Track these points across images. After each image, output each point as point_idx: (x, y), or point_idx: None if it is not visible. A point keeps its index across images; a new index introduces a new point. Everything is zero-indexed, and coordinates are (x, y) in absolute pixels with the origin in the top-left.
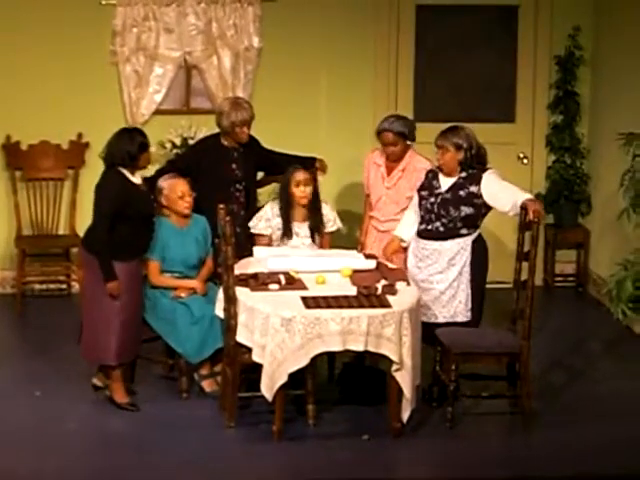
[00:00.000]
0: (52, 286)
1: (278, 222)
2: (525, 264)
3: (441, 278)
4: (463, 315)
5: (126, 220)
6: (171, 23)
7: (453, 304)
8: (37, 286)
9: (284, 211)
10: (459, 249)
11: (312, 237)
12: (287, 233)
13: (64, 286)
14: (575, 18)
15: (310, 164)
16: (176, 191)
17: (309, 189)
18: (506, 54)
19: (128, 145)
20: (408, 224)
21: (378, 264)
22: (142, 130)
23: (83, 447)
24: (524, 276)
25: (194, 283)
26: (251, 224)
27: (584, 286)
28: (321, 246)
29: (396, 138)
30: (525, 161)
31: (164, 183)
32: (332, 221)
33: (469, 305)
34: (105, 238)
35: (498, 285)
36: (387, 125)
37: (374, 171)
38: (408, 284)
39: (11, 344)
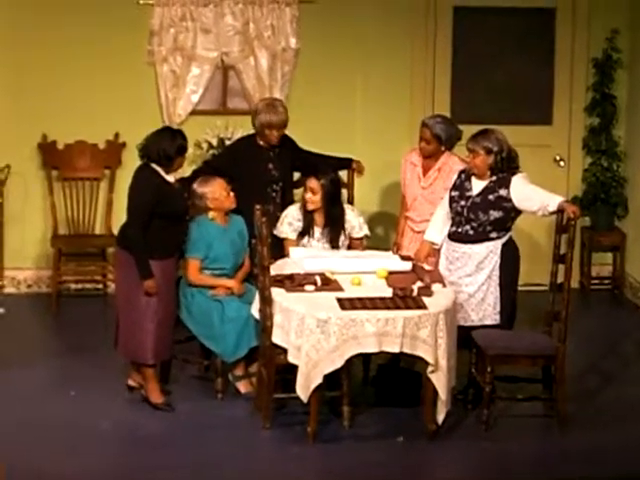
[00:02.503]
0: (88, 286)
1: (299, 225)
2: (561, 266)
3: (470, 281)
4: (492, 318)
5: (160, 218)
6: (208, 23)
7: (482, 307)
8: (73, 285)
9: (304, 213)
10: (488, 253)
11: (331, 243)
12: (308, 231)
13: (100, 286)
14: (613, 21)
15: (347, 165)
16: (221, 191)
17: (317, 197)
18: (543, 56)
19: (167, 144)
20: (438, 227)
21: (414, 266)
22: (184, 133)
23: (118, 447)
24: (560, 278)
25: (231, 283)
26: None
27: (620, 289)
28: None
29: (431, 138)
30: (562, 164)
31: (205, 188)
32: (357, 227)
33: (498, 308)
34: (141, 236)
35: (534, 287)
36: (430, 122)
37: (410, 171)
38: (444, 286)
39: (46, 343)
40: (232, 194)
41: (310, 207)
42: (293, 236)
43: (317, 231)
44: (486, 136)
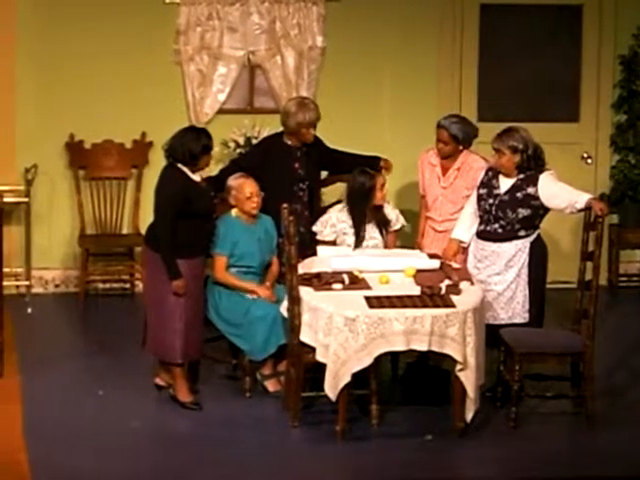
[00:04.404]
0: (115, 285)
1: (343, 227)
2: (589, 264)
3: (499, 279)
4: (521, 317)
5: (187, 218)
6: (235, 22)
7: (511, 305)
8: (100, 285)
9: (359, 220)
10: (517, 251)
11: (381, 233)
12: (359, 241)
13: (127, 285)
14: (639, 17)
15: (375, 163)
16: (244, 191)
17: (385, 191)
18: (570, 53)
19: (192, 143)
20: (466, 225)
21: (442, 264)
22: (209, 132)
23: (146, 445)
24: (588, 276)
25: (261, 291)
26: (316, 229)
27: None
28: (387, 245)
29: (449, 139)
30: (589, 161)
31: (234, 182)
32: (395, 219)
33: (527, 306)
34: (169, 236)
35: (562, 285)
36: (447, 123)
37: (429, 171)
38: (472, 284)
39: (74, 343)
40: (256, 199)
41: (383, 202)
42: (332, 237)
43: (363, 230)
44: (511, 135)
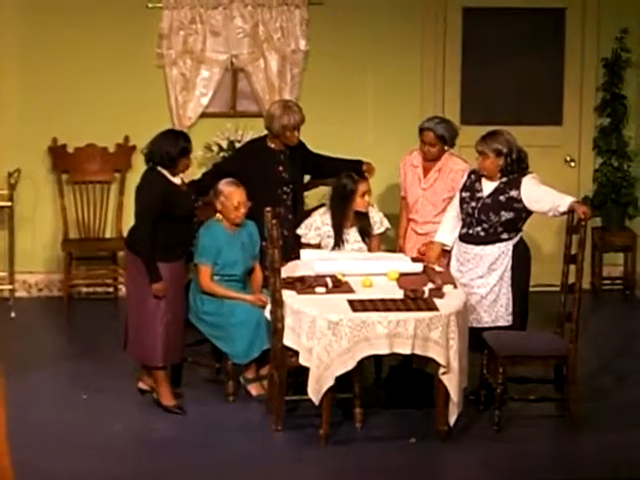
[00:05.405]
0: (99, 289)
1: (327, 230)
2: (572, 267)
3: (482, 283)
4: (504, 319)
5: (168, 221)
6: (218, 26)
7: (495, 309)
8: (84, 289)
9: (339, 221)
10: (500, 254)
11: (363, 240)
12: (339, 244)
13: (111, 289)
14: (622, 21)
15: (357, 167)
16: (233, 200)
17: (370, 197)
18: (553, 57)
19: (170, 147)
20: (449, 228)
21: (425, 267)
22: (188, 135)
23: (129, 450)
24: (571, 279)
25: (250, 298)
26: (300, 232)
27: (631, 289)
28: (371, 249)
29: (436, 140)
30: (572, 164)
31: (224, 188)
32: (379, 223)
33: (510, 309)
34: (149, 239)
35: (545, 288)
36: (431, 125)
37: (411, 173)
38: (455, 287)
39: (58, 347)
40: (243, 210)
41: (365, 209)
42: (317, 240)
43: (345, 233)
44: (495, 138)
